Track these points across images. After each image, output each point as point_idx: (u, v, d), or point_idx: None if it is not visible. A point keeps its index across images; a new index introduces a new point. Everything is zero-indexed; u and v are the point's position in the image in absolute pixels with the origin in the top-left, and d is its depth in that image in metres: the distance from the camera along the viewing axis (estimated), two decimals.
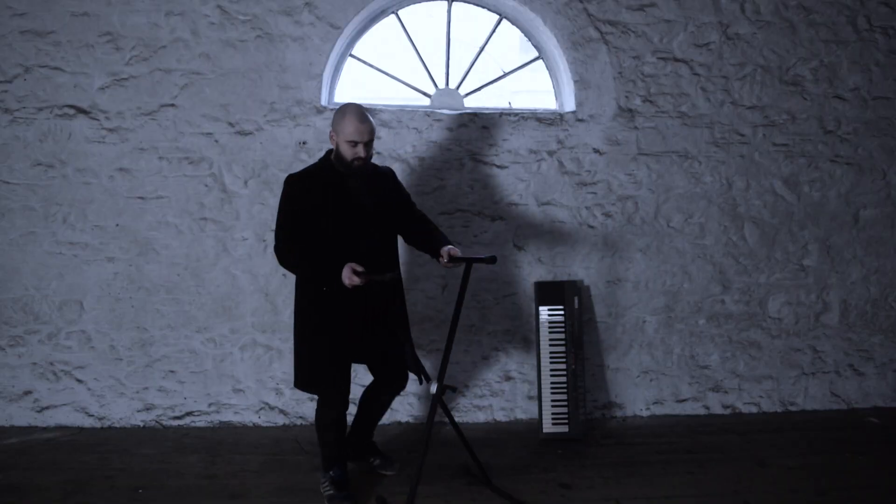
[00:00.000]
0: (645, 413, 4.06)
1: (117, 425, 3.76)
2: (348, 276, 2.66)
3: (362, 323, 2.87)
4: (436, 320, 3.85)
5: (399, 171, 3.76)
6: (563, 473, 3.28)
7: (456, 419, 3.84)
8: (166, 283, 3.72)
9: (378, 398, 3.17)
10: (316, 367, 2.88)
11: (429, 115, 3.79)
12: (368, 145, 2.81)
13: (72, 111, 3.61)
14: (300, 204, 2.81)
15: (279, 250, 2.82)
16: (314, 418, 3.03)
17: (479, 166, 3.83)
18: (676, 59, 3.89)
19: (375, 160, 3.77)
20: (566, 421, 3.69)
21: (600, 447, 3.60)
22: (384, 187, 2.99)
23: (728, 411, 4.10)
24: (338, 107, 3.76)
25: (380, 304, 2.92)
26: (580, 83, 3.84)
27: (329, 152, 2.91)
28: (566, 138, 3.86)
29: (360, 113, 2.80)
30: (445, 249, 2.87)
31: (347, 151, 2.79)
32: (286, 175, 2.87)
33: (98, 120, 3.62)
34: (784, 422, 3.98)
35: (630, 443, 3.67)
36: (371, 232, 2.88)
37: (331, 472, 3.00)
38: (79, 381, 3.73)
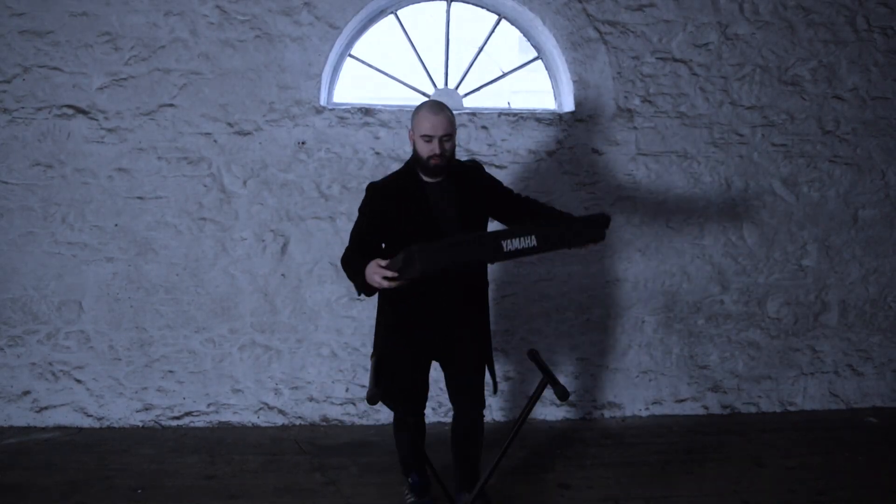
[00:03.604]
0: (644, 413, 4.06)
1: (116, 425, 3.76)
2: (376, 279, 2.36)
3: (438, 320, 2.66)
4: None
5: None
6: (562, 473, 3.28)
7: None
8: (165, 284, 3.71)
9: (456, 423, 2.85)
10: (386, 363, 2.63)
11: None
12: (446, 140, 2.56)
13: (70, 111, 3.60)
14: (377, 214, 2.61)
15: (343, 258, 2.60)
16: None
17: None
18: (675, 60, 3.89)
19: (378, 159, 3.78)
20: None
21: (600, 447, 3.60)
22: (470, 187, 2.70)
23: (727, 411, 4.10)
24: (336, 107, 3.77)
25: (457, 303, 2.67)
26: (579, 83, 3.84)
27: (413, 156, 2.67)
28: (565, 138, 3.86)
29: (435, 105, 2.58)
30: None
31: (423, 149, 2.57)
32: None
33: (97, 120, 3.62)
34: (783, 422, 3.99)
35: (629, 443, 3.67)
36: None
37: (409, 479, 2.91)
38: (78, 381, 3.72)
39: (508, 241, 2.34)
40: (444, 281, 2.57)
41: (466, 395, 2.77)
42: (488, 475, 2.44)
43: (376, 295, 2.63)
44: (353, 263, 2.50)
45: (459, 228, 2.61)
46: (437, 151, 2.55)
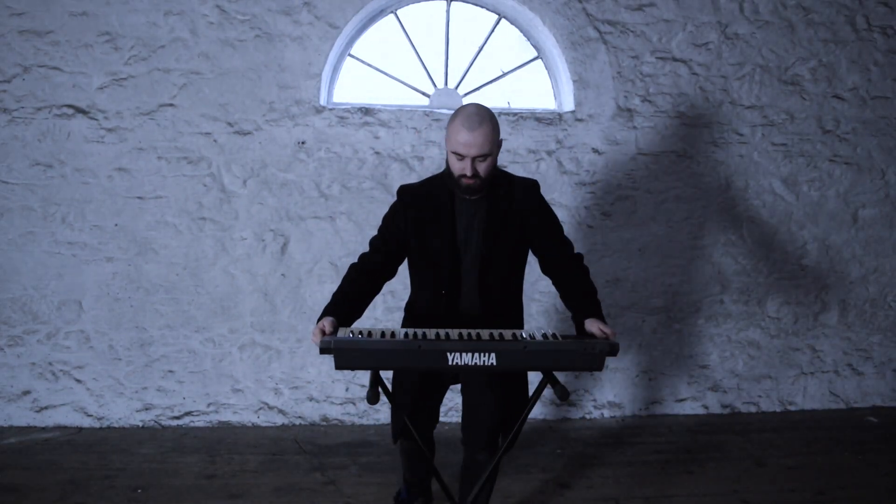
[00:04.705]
0: (644, 413, 4.06)
1: (116, 425, 3.76)
2: (312, 336, 2.10)
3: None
4: None
5: (398, 171, 3.76)
6: (562, 473, 3.28)
7: (455, 420, 3.84)
8: (165, 283, 3.71)
9: (463, 463, 2.53)
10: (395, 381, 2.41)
11: (428, 115, 3.79)
12: (480, 161, 2.20)
13: (70, 111, 3.60)
14: (399, 221, 2.34)
15: (350, 266, 2.38)
16: None
17: None
18: (675, 59, 3.89)
19: (378, 159, 3.78)
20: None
21: (600, 447, 3.60)
22: (509, 210, 2.33)
23: (727, 411, 4.10)
24: (336, 107, 3.77)
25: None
26: (579, 83, 3.84)
27: (446, 168, 2.35)
28: (565, 138, 3.86)
29: (472, 116, 2.18)
30: (595, 326, 2.24)
31: (455, 166, 2.24)
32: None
33: (97, 120, 3.62)
34: (783, 421, 3.99)
35: (629, 443, 3.67)
36: (471, 272, 2.32)
37: (399, 490, 2.80)
38: (78, 380, 3.72)
39: (458, 354, 1.97)
40: (471, 318, 2.33)
41: (473, 430, 2.45)
42: (489, 476, 2.43)
43: (397, 303, 2.45)
44: (342, 283, 2.30)
45: (481, 258, 2.31)
46: (469, 173, 2.21)
